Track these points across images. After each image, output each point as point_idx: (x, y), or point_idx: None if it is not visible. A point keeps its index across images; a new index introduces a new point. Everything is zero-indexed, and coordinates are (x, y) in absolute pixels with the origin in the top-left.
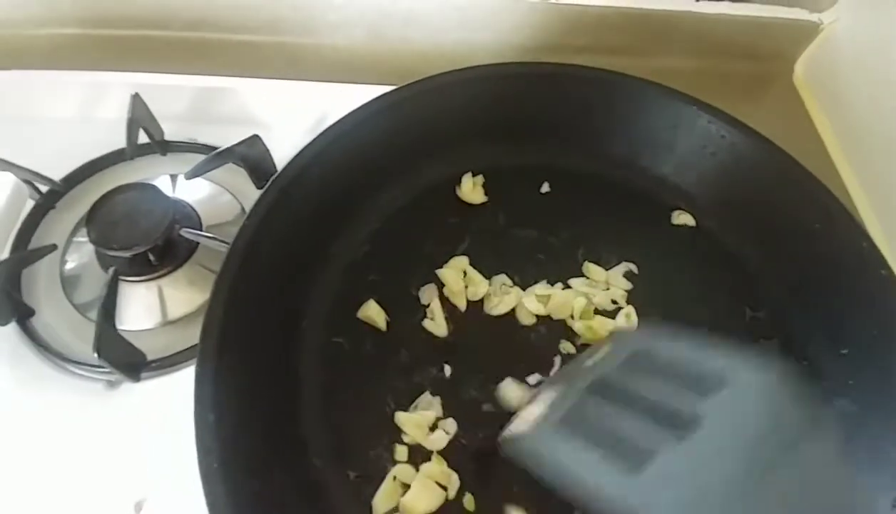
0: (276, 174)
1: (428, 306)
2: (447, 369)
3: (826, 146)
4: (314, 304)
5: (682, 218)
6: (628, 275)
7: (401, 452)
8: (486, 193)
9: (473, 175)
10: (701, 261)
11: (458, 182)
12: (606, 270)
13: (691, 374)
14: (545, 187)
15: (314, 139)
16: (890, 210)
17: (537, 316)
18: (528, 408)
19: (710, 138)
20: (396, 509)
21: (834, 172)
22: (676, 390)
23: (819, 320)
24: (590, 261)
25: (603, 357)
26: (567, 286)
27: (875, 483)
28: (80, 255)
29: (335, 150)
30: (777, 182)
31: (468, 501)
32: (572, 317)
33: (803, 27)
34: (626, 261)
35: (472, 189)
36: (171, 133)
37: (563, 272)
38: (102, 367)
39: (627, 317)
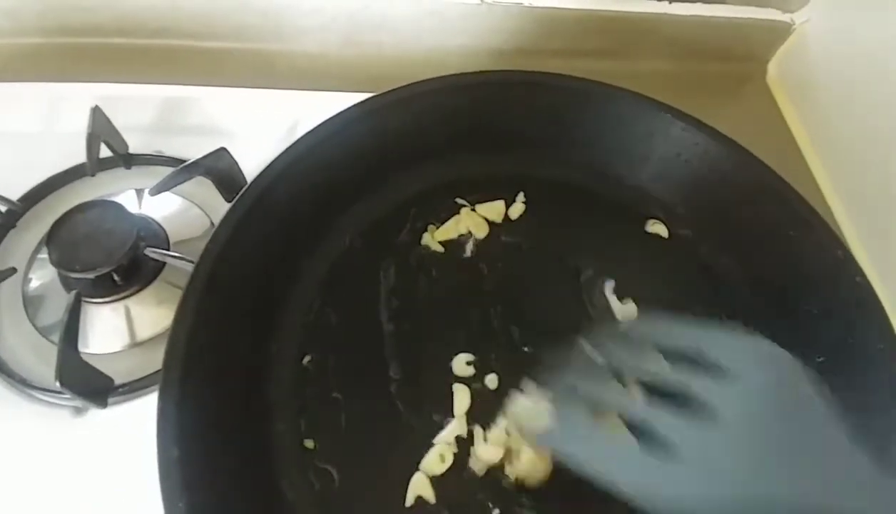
0: (242, 190)
1: None
2: None
3: (799, 145)
4: (284, 326)
5: (656, 228)
6: None
7: None
8: None
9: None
10: (676, 269)
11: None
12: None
13: (701, 363)
14: (520, 197)
15: (281, 153)
16: (862, 207)
17: None
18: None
19: (685, 146)
20: None
21: (807, 171)
22: (687, 378)
23: (795, 327)
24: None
25: (611, 347)
26: None
27: None
28: (43, 275)
29: (304, 163)
30: (751, 189)
31: None
32: None
33: (776, 27)
34: (602, 271)
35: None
36: (135, 146)
37: None
38: (67, 394)
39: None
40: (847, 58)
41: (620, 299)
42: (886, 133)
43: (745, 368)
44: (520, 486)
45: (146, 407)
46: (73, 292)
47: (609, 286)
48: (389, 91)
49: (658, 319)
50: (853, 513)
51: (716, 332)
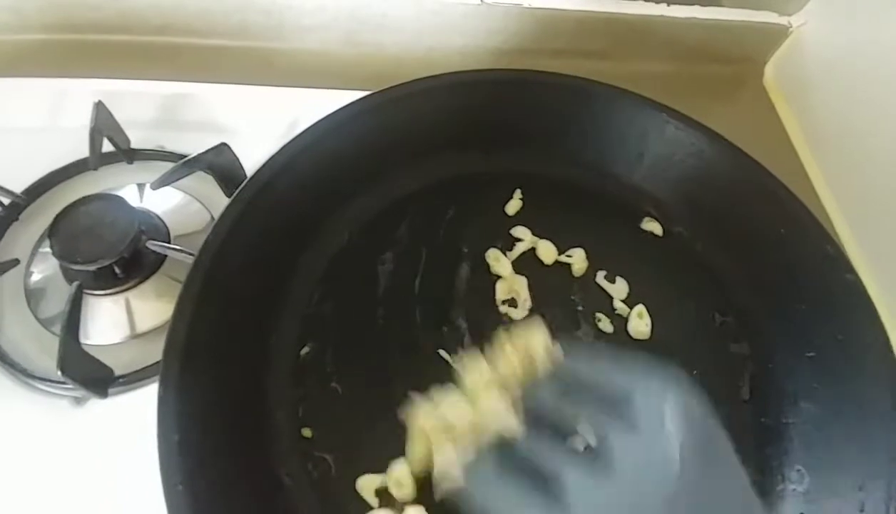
0: (242, 185)
1: None
2: None
3: (794, 146)
4: (283, 318)
5: (651, 225)
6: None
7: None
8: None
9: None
10: (671, 266)
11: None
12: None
13: (599, 402)
14: (517, 194)
15: (282, 148)
16: (857, 209)
17: None
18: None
19: (679, 145)
20: None
21: (803, 173)
22: (586, 420)
23: (786, 323)
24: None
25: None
26: None
27: (838, 487)
28: (46, 267)
29: (304, 158)
30: (744, 188)
31: None
32: None
33: (773, 30)
34: (598, 268)
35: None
36: (137, 141)
37: None
38: (68, 383)
39: (640, 315)
40: (843, 61)
41: (611, 280)
42: (881, 135)
43: (656, 426)
44: None
45: (145, 397)
46: (75, 283)
47: (601, 275)
48: (389, 88)
49: (586, 365)
50: None
51: (639, 382)
